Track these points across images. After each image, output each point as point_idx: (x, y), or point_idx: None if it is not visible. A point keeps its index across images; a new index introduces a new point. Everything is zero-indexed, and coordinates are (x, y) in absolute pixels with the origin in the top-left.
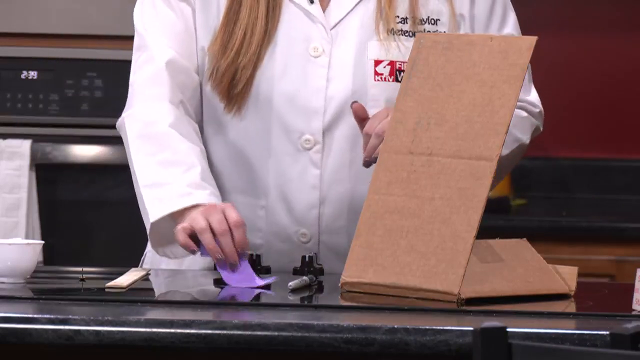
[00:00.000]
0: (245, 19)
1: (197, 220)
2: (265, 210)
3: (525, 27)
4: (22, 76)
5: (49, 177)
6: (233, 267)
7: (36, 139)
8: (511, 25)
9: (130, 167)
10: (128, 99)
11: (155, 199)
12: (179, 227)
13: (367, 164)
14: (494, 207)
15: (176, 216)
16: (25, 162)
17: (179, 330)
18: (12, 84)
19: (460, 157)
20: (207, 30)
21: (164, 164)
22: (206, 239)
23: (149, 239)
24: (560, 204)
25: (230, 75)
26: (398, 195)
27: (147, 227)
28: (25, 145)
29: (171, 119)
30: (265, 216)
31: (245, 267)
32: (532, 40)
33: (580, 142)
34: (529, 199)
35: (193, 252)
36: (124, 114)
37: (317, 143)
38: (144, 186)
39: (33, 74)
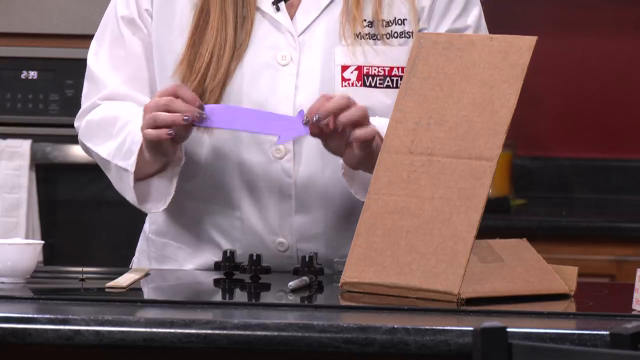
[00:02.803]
0: (212, 42)
1: (146, 119)
2: (241, 221)
3: (526, 27)
4: (22, 76)
5: (49, 177)
6: (200, 119)
7: (36, 139)
8: (472, 19)
9: (103, 165)
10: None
11: (121, 158)
12: (143, 131)
13: (311, 127)
14: (494, 207)
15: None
16: (25, 162)
17: (179, 330)
18: (12, 84)
19: (460, 157)
20: (170, 50)
21: (114, 135)
22: (161, 117)
23: (143, 204)
24: (560, 204)
25: (198, 96)
26: (398, 195)
27: (131, 188)
28: (25, 145)
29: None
30: (242, 227)
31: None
32: (532, 40)
33: (580, 142)
34: (529, 199)
35: (169, 135)
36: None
37: (288, 152)
38: (108, 157)
39: (33, 74)
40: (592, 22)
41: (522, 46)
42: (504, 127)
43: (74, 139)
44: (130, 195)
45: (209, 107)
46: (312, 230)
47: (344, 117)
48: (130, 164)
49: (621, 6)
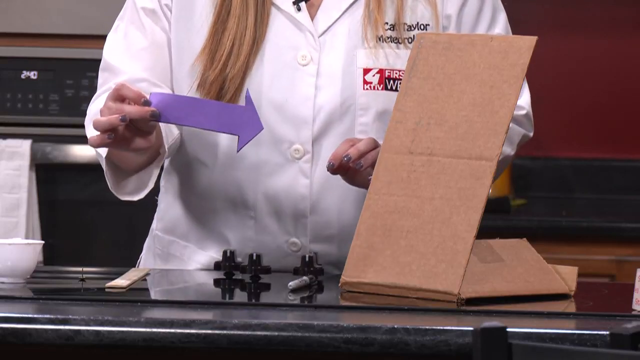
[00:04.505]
0: (233, 29)
1: (88, 128)
2: (254, 221)
3: (526, 27)
4: (22, 76)
5: (49, 177)
6: (155, 116)
7: (36, 139)
8: (500, 26)
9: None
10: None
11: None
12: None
13: (330, 168)
14: (494, 207)
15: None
16: (25, 162)
17: (179, 330)
18: (12, 84)
19: (460, 157)
20: (188, 46)
21: None
22: (100, 123)
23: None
24: (560, 204)
25: (219, 86)
26: (398, 195)
27: (106, 173)
28: (25, 145)
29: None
30: (255, 226)
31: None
32: (532, 40)
33: (580, 142)
34: (529, 199)
35: (110, 139)
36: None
37: (306, 153)
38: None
39: (33, 74)
40: (592, 22)
41: (522, 46)
42: (504, 127)
43: (74, 139)
44: (108, 182)
45: (156, 98)
46: (326, 231)
47: (371, 156)
48: (104, 150)
49: (621, 6)
